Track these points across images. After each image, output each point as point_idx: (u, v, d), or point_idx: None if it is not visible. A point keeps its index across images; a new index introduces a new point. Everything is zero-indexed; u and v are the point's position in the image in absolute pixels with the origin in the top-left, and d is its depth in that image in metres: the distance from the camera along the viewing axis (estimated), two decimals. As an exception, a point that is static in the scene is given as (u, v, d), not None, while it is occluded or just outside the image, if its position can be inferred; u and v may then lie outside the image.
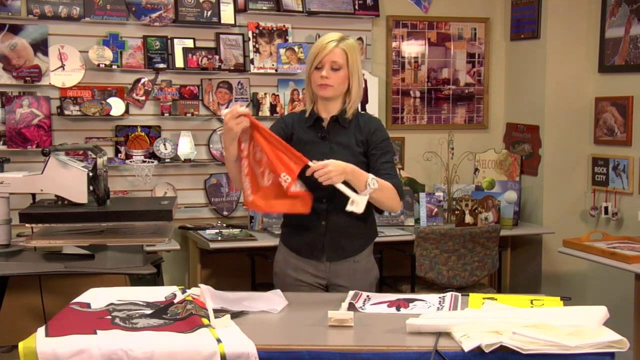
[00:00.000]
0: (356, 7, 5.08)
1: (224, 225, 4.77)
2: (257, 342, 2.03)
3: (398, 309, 2.43)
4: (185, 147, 4.76)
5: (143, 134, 4.73)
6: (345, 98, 2.81)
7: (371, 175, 2.62)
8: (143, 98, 4.74)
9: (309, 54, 2.85)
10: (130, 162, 4.66)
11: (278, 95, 4.95)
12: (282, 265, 2.90)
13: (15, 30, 4.47)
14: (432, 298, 2.55)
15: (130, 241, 3.13)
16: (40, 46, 4.51)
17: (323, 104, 2.82)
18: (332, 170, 2.52)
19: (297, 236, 2.83)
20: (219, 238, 4.45)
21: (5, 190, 3.20)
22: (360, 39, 5.09)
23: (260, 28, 4.93)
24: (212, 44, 4.86)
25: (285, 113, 4.94)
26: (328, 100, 2.79)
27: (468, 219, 4.86)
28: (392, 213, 4.85)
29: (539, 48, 5.14)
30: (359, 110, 2.88)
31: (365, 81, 5.12)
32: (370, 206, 2.68)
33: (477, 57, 5.46)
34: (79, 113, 4.53)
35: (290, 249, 2.87)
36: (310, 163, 2.55)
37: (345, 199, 2.57)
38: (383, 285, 4.65)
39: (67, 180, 3.15)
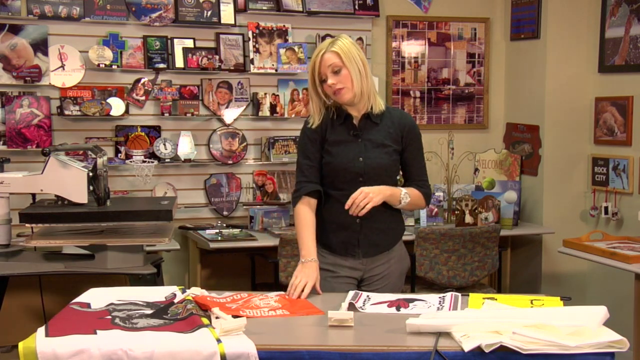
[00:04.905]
0: (356, 7, 5.08)
1: (224, 225, 4.76)
2: (257, 342, 2.03)
3: (398, 309, 2.43)
4: (185, 147, 4.76)
5: (143, 134, 4.72)
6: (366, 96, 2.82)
7: (404, 190, 2.80)
8: (143, 98, 4.74)
9: (308, 70, 2.84)
10: (130, 162, 4.66)
11: (278, 95, 4.95)
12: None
13: (15, 30, 4.47)
14: (432, 298, 2.55)
15: (130, 241, 3.13)
16: (40, 46, 4.51)
17: (350, 107, 2.83)
18: (369, 192, 2.68)
19: (332, 235, 2.85)
20: (219, 238, 4.44)
21: (5, 190, 3.20)
22: (360, 39, 5.08)
23: (260, 28, 4.93)
24: (212, 44, 4.86)
25: (285, 113, 4.95)
26: (353, 105, 2.80)
27: (468, 219, 4.85)
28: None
29: (539, 48, 5.14)
30: (387, 105, 2.90)
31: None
32: None
33: (477, 57, 5.46)
34: (79, 113, 4.53)
35: (324, 246, 2.87)
36: None
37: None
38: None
39: (67, 180, 3.15)
